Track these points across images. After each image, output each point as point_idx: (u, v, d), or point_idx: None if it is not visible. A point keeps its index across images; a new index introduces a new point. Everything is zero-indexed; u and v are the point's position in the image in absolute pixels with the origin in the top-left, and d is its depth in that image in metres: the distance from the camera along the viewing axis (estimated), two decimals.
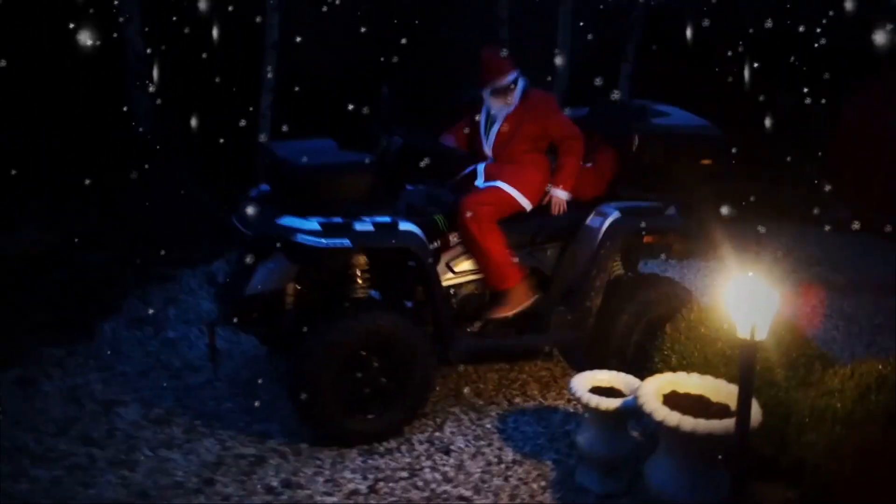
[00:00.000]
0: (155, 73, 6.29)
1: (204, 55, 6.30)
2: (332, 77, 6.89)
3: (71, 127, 5.59)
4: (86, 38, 5.39)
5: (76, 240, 4.57)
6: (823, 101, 8.85)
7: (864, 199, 8.93)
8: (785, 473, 2.86)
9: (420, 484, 3.10)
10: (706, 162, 3.94)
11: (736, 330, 2.22)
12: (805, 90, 8.47)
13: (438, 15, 7.54)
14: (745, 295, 2.16)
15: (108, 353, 4.25)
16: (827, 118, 9.02)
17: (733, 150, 4.06)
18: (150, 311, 4.88)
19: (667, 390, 2.76)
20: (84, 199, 5.21)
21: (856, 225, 8.41)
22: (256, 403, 3.67)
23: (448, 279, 3.65)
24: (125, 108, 5.98)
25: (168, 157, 6.06)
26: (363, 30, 6.84)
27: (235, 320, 3.47)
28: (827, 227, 8.14)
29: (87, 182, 5.41)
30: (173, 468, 3.20)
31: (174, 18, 6.06)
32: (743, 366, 2.25)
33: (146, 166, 5.95)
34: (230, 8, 6.21)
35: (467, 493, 3.05)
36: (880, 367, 2.67)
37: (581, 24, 7.45)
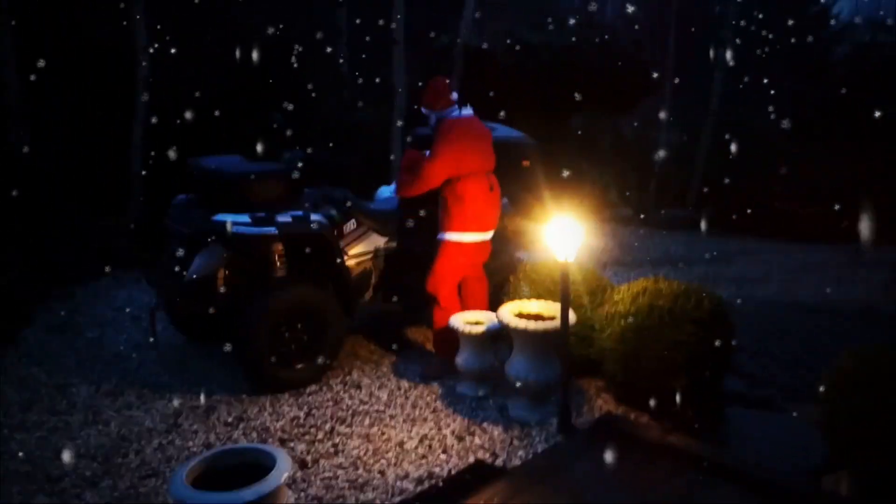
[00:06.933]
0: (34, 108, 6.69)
1: (80, 90, 6.82)
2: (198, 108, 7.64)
3: None
4: None
5: None
6: (607, 119, 10.97)
7: (643, 200, 11.21)
8: (596, 366, 4.24)
9: (344, 407, 4.11)
10: (525, 163, 5.36)
11: (555, 255, 3.51)
12: (593, 111, 10.49)
13: (289, 60, 8.52)
14: (560, 230, 3.45)
15: (40, 351, 4.79)
16: (611, 134, 11.18)
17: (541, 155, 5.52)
18: (61, 321, 5.42)
19: (516, 311, 4.03)
20: None
21: (638, 220, 10.59)
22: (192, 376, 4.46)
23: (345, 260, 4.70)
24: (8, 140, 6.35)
25: (51, 185, 6.50)
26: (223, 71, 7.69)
27: (176, 302, 4.28)
28: (616, 223, 10.26)
29: None
30: (141, 420, 3.91)
31: (50, 57, 6.53)
32: (561, 280, 3.56)
33: (30, 194, 6.36)
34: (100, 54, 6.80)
35: (381, 408, 4.10)
36: (644, 282, 4.13)
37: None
